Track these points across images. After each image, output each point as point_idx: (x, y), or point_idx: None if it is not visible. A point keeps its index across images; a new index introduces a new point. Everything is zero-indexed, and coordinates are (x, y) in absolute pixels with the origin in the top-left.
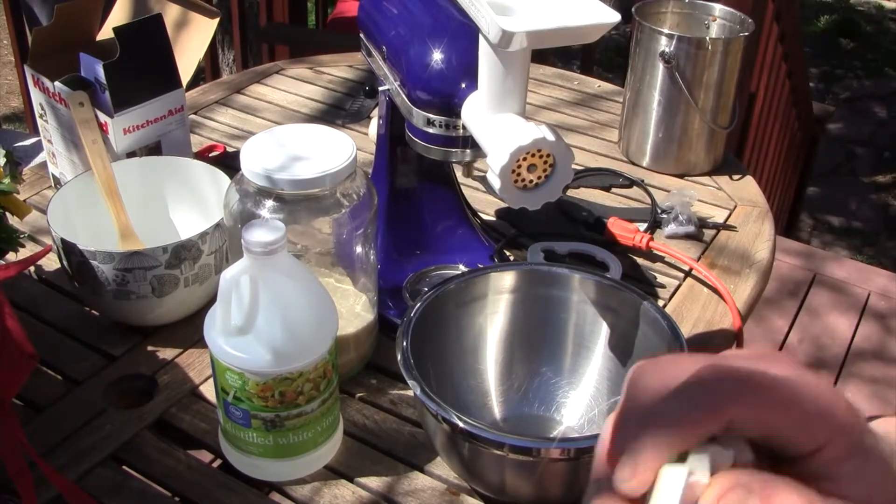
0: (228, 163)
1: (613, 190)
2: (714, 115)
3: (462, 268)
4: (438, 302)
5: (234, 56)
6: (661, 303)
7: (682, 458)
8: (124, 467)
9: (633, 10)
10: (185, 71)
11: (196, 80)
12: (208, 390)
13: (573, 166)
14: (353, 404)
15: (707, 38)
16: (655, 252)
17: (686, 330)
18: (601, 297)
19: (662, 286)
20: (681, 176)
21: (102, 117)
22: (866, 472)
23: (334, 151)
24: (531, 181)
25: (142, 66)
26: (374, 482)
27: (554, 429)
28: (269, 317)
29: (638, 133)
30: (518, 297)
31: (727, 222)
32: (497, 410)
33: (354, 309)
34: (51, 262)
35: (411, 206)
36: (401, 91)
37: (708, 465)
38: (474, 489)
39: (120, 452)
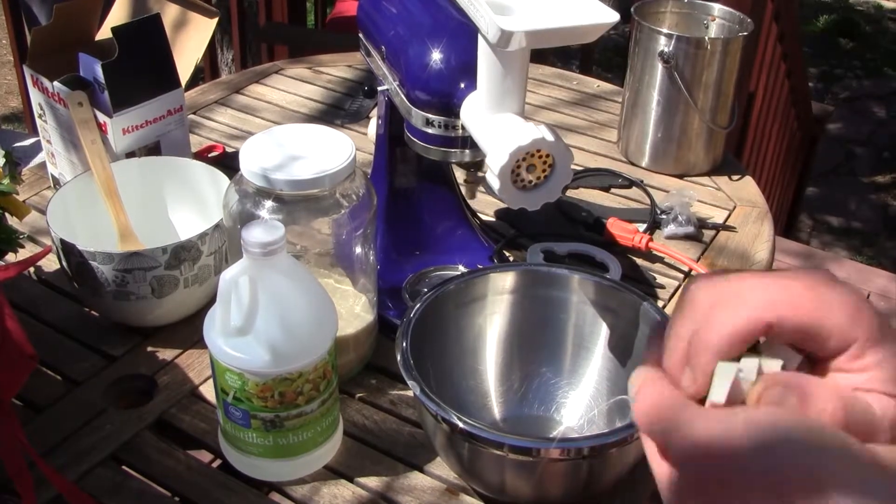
0: (228, 163)
1: (613, 190)
2: (713, 115)
3: (461, 268)
4: (438, 302)
5: (233, 56)
6: (660, 303)
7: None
8: (124, 467)
9: (632, 9)
10: (184, 71)
11: (195, 80)
12: (208, 391)
13: (572, 167)
14: (353, 405)
15: (706, 37)
16: (655, 253)
17: None
18: (601, 297)
19: (662, 287)
20: (680, 176)
21: (101, 117)
22: (892, 357)
23: (333, 152)
24: (530, 181)
25: (141, 65)
26: (374, 482)
27: (553, 429)
28: (269, 317)
29: (637, 133)
30: (517, 297)
31: (726, 223)
32: (496, 411)
33: (354, 309)
34: (50, 263)
35: (410, 207)
36: (400, 91)
37: (756, 368)
38: (474, 489)
39: (120, 452)
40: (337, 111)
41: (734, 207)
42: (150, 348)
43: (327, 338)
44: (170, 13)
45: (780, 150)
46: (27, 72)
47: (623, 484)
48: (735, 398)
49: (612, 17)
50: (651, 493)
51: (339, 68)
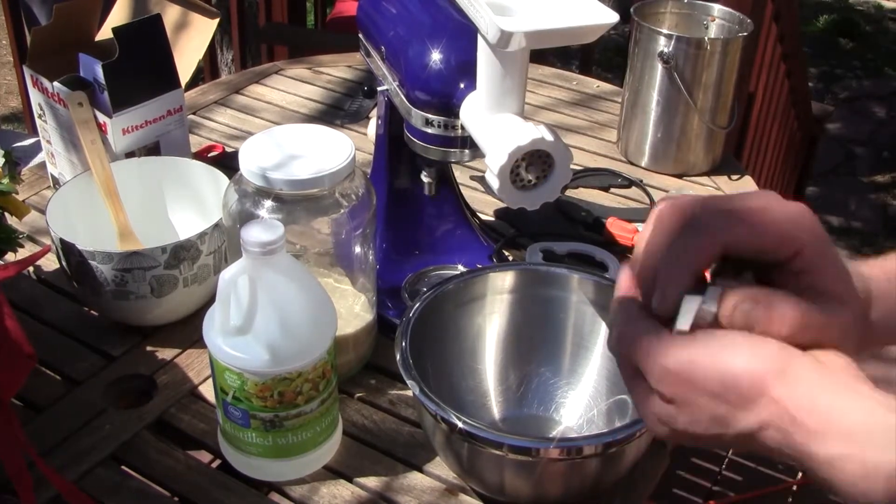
0: (227, 163)
1: (612, 190)
2: (713, 115)
3: (461, 268)
4: (437, 302)
5: (233, 56)
6: None
7: (702, 292)
8: (124, 467)
9: (631, 10)
10: (184, 71)
11: (195, 81)
12: (207, 390)
13: (572, 166)
14: (352, 404)
15: (706, 38)
16: None
17: None
18: (600, 297)
19: None
20: (679, 176)
21: (101, 117)
22: (835, 265)
23: (333, 151)
24: (530, 181)
25: (141, 66)
26: (373, 482)
27: (553, 429)
28: (268, 317)
29: (637, 133)
30: (517, 297)
31: None
32: (496, 410)
33: (353, 309)
34: (50, 263)
35: (410, 207)
36: (399, 91)
37: (717, 295)
38: (473, 489)
39: (119, 452)
40: (337, 111)
41: None
42: (149, 348)
43: (327, 337)
44: (170, 14)
45: (780, 150)
46: (27, 72)
47: (623, 484)
48: (699, 323)
49: (612, 17)
50: (651, 494)
51: (338, 68)
